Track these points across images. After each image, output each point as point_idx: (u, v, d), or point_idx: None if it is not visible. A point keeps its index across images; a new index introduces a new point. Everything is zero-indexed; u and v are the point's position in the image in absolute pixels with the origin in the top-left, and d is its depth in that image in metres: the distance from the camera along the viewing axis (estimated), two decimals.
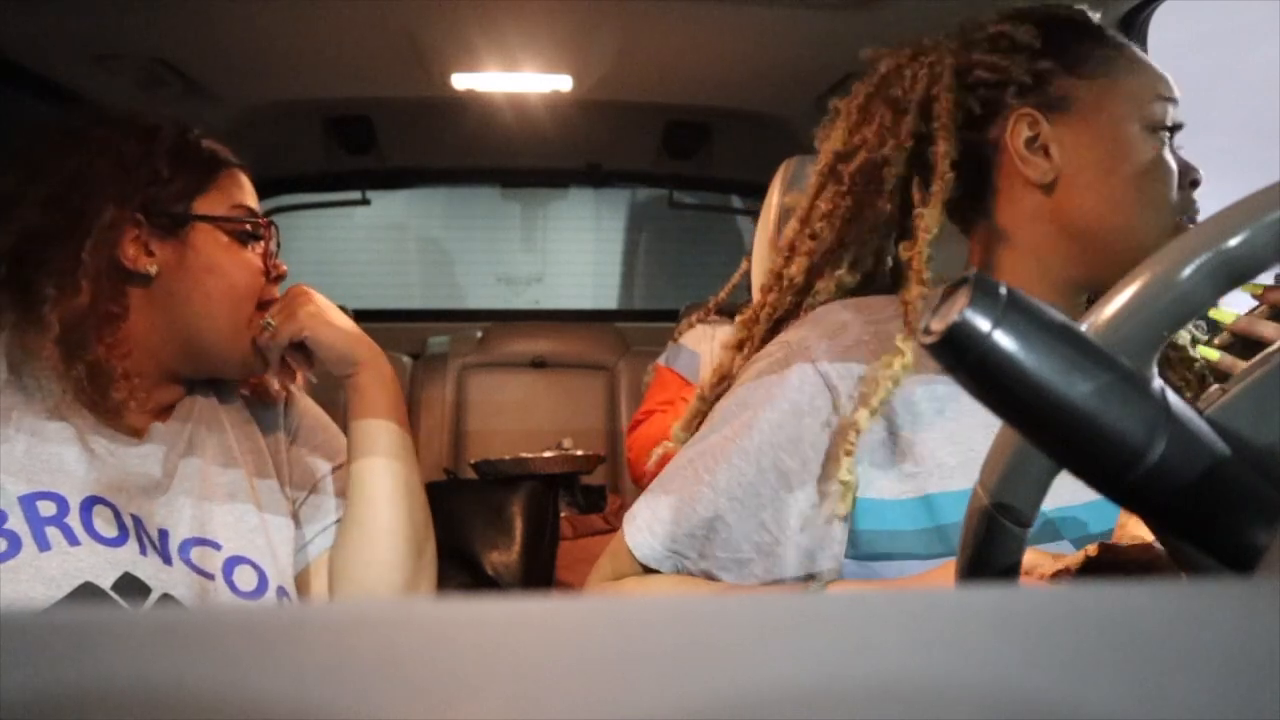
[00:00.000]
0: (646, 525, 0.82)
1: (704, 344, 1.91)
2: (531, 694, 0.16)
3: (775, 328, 0.90)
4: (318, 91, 1.95)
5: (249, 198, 0.95)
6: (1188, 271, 0.37)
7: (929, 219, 0.79)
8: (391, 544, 0.92)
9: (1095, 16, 0.88)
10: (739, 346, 0.92)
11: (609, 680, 0.17)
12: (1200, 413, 0.37)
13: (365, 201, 2.70)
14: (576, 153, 2.51)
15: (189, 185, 0.91)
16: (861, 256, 0.89)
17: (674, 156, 2.38)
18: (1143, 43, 1.38)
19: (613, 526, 2.15)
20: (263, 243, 0.95)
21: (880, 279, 0.93)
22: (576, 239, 3.68)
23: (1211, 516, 0.35)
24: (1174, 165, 0.81)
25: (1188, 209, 0.82)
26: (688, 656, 0.17)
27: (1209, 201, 1.18)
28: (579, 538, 2.15)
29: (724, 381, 0.91)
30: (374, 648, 0.18)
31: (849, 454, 0.76)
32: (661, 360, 1.95)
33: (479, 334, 2.63)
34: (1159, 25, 1.40)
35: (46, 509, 0.80)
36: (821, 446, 0.78)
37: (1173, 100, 0.82)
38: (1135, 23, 1.36)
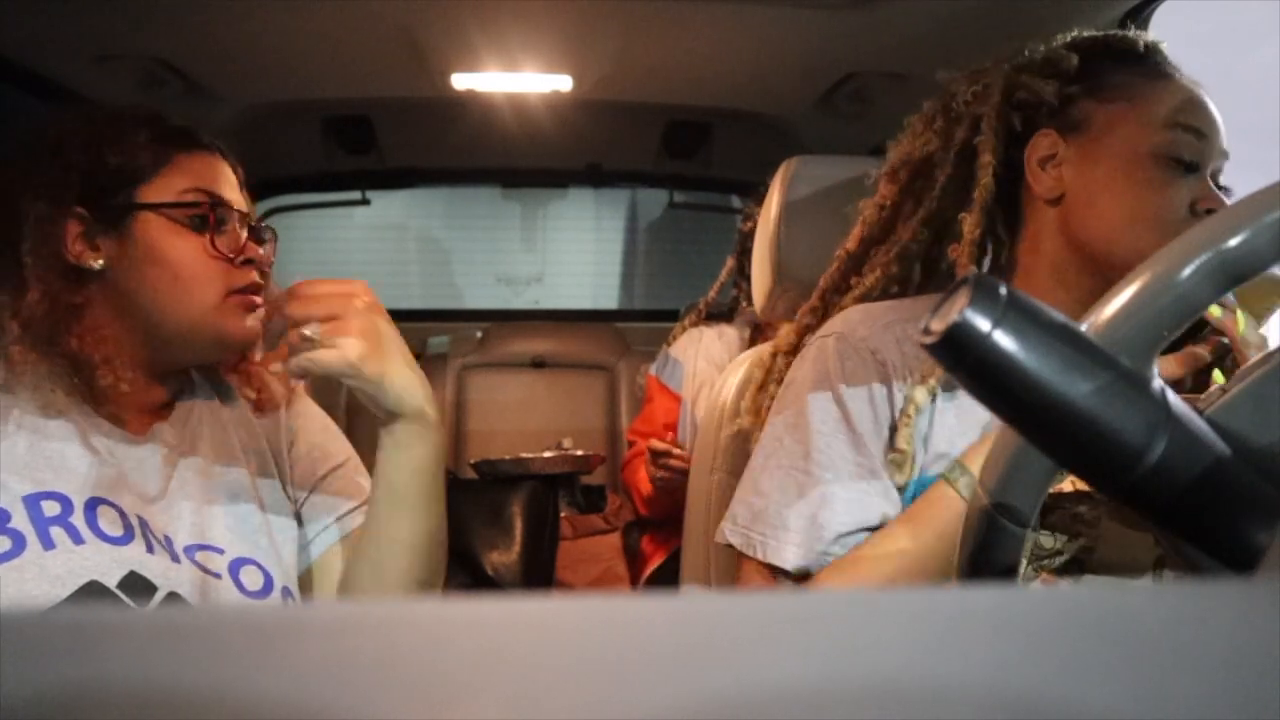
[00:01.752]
0: (784, 540, 0.86)
1: (690, 350, 1.93)
2: (531, 694, 0.16)
3: (825, 307, 1.01)
4: (317, 91, 1.95)
5: (212, 181, 0.90)
6: (1187, 272, 0.37)
7: (970, 222, 0.88)
8: (406, 584, 0.89)
9: (1148, 37, 0.90)
10: (803, 332, 1.02)
11: (609, 680, 0.17)
12: (1200, 413, 0.37)
13: (365, 202, 2.70)
14: (576, 153, 2.51)
15: (133, 172, 0.86)
16: (907, 250, 0.96)
17: (674, 157, 2.38)
18: None
19: (612, 526, 2.15)
20: (227, 226, 0.89)
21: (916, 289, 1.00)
22: (576, 239, 3.68)
23: (1212, 516, 0.35)
24: (1184, 193, 0.83)
25: None
26: (687, 656, 0.17)
27: None
28: (579, 538, 2.15)
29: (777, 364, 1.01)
30: (374, 648, 0.18)
31: (907, 425, 0.83)
32: (653, 369, 1.98)
33: (479, 334, 2.63)
34: (1159, 25, 1.40)
35: (50, 509, 0.79)
36: (885, 418, 0.86)
37: (1196, 131, 0.83)
38: (1135, 23, 1.36)
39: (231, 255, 0.88)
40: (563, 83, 1.87)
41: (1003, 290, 0.34)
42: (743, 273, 1.93)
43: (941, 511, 0.78)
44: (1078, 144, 0.87)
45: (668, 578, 1.91)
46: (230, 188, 0.92)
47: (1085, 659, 0.17)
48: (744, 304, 1.97)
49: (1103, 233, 0.85)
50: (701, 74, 1.84)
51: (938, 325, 0.34)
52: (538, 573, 1.98)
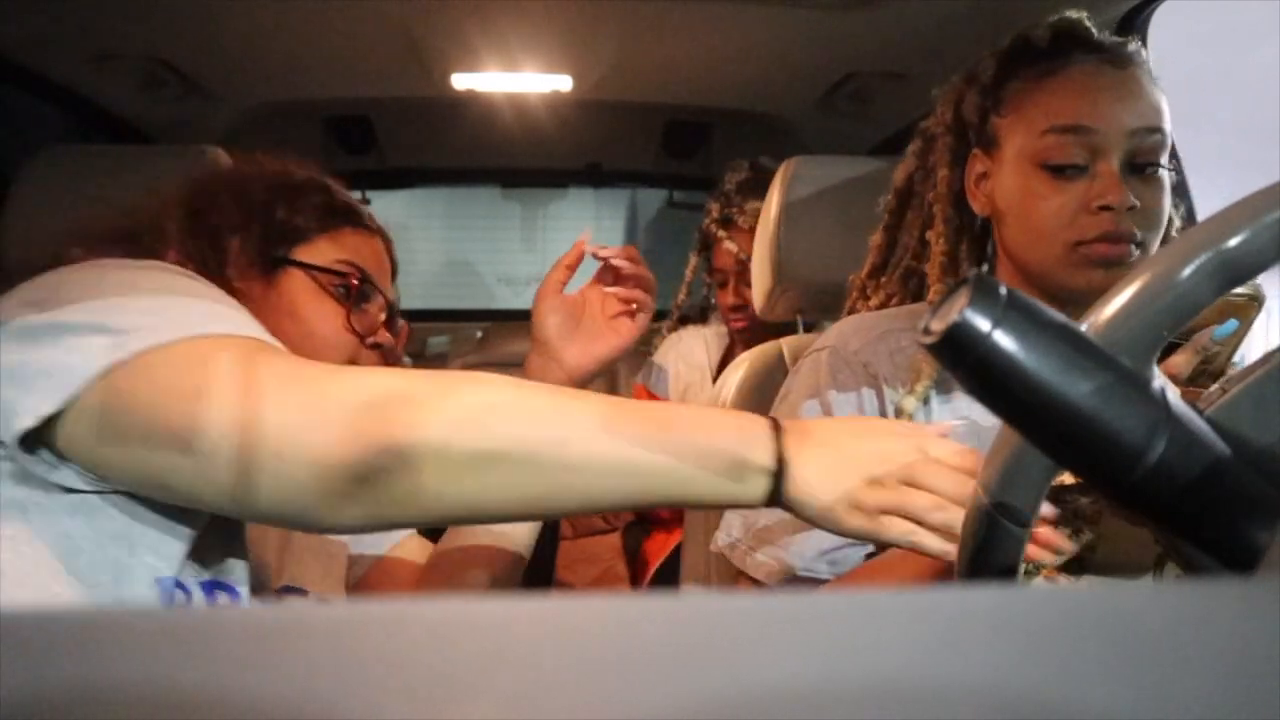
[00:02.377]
0: (767, 555, 0.86)
1: (671, 354, 1.94)
2: (533, 694, 0.16)
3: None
4: (317, 91, 1.95)
5: (367, 260, 0.91)
6: (1187, 271, 0.37)
7: (934, 240, 0.91)
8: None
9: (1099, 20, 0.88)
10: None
11: (610, 680, 0.17)
12: (1200, 413, 0.37)
13: (365, 201, 2.70)
14: (576, 153, 2.51)
15: (297, 231, 0.89)
16: (910, 272, 0.98)
17: (674, 157, 2.38)
18: (1142, 42, 1.38)
19: (612, 526, 2.15)
20: (368, 305, 0.90)
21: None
22: (577, 239, 3.67)
23: (1212, 516, 0.35)
24: (1073, 196, 0.82)
25: (1097, 234, 0.81)
26: (688, 656, 0.17)
27: (1209, 201, 1.17)
28: (579, 537, 2.15)
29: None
30: (375, 647, 0.18)
31: None
32: (638, 378, 1.98)
33: (479, 334, 2.63)
34: (1159, 25, 1.40)
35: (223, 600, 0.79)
36: None
37: (1076, 129, 0.82)
38: (1135, 22, 1.36)
39: (364, 333, 0.90)
40: (563, 83, 1.87)
41: (1003, 290, 0.34)
42: (709, 270, 1.93)
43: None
44: (994, 160, 0.88)
45: (668, 578, 1.91)
46: (383, 274, 0.94)
47: (1085, 659, 0.17)
48: (713, 301, 1.97)
49: (1016, 248, 0.87)
50: (701, 74, 1.84)
51: (937, 325, 0.34)
52: (538, 572, 1.98)
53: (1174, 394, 0.36)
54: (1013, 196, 0.85)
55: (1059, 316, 0.34)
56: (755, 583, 0.89)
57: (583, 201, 3.65)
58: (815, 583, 0.85)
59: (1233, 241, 0.37)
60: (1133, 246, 0.81)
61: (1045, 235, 0.83)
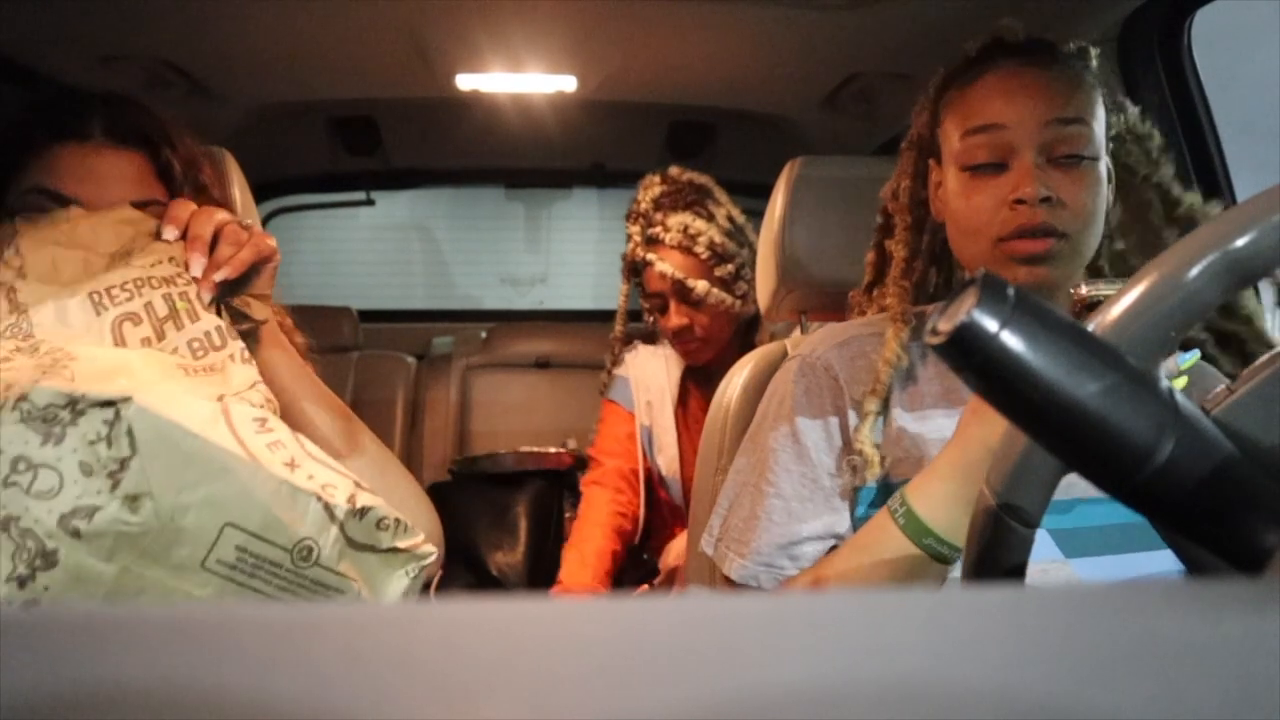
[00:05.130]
0: (735, 553, 0.90)
1: (632, 370, 1.83)
2: (542, 694, 0.16)
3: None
4: (322, 92, 1.96)
5: (58, 179, 0.86)
6: (1195, 272, 0.37)
7: (894, 246, 0.96)
8: None
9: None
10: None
11: (621, 681, 0.17)
12: (1207, 413, 0.37)
13: (370, 202, 2.70)
14: (581, 153, 2.51)
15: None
16: (901, 281, 0.99)
17: (678, 157, 2.38)
18: (1176, 47, 1.37)
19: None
20: None
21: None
22: (580, 239, 3.68)
23: (1220, 517, 0.35)
24: (993, 194, 0.83)
25: (1013, 228, 0.82)
26: (698, 657, 0.18)
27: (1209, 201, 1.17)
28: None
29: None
30: (384, 648, 0.18)
31: (863, 430, 0.87)
32: (606, 394, 1.87)
33: (483, 334, 2.63)
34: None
35: None
36: (836, 431, 0.90)
37: (989, 128, 0.84)
38: (1138, 26, 1.36)
39: None
40: (567, 83, 1.87)
41: (1010, 290, 0.34)
42: (644, 296, 1.78)
43: (880, 539, 0.79)
44: (942, 168, 0.91)
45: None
46: (72, 182, 0.88)
47: (1093, 660, 0.17)
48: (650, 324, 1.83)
49: (957, 250, 0.90)
50: (705, 74, 1.84)
51: (945, 325, 0.34)
52: (543, 573, 1.98)
53: (1181, 395, 0.36)
54: (950, 200, 0.88)
55: (1067, 316, 0.34)
56: (730, 582, 0.92)
57: (587, 202, 3.65)
58: (778, 579, 0.88)
59: (1240, 242, 0.37)
60: (1054, 241, 0.81)
61: (971, 233, 0.85)
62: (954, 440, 0.77)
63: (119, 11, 1.46)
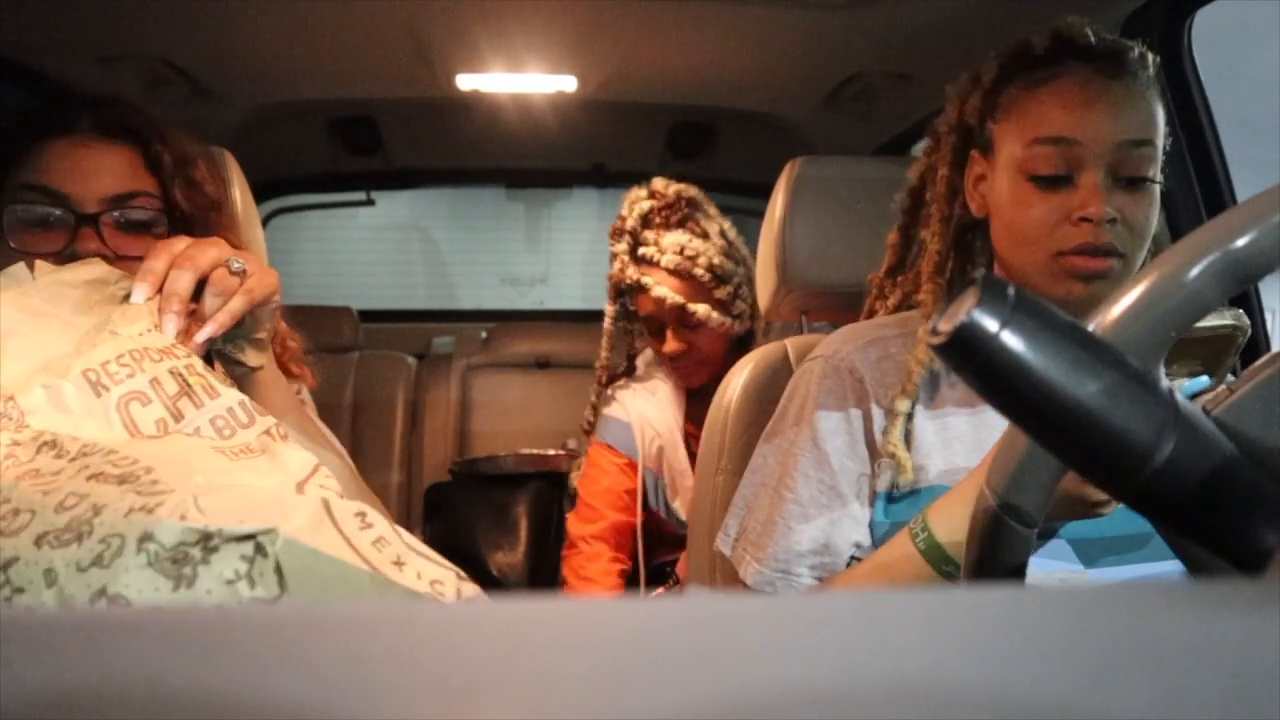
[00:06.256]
0: (752, 557, 0.90)
1: (631, 412, 1.64)
2: (543, 694, 0.16)
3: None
4: (322, 93, 1.96)
5: (47, 174, 0.85)
6: (1195, 272, 0.37)
7: (929, 238, 0.93)
8: None
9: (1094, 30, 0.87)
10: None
11: (621, 681, 0.17)
12: (1208, 413, 0.37)
13: (370, 202, 2.71)
14: (581, 153, 2.51)
15: None
16: (922, 273, 0.98)
17: (678, 157, 2.38)
18: (1176, 47, 1.36)
19: None
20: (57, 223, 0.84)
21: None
22: (581, 239, 3.68)
23: (1220, 517, 0.35)
24: (1053, 207, 0.82)
25: (1076, 245, 0.82)
26: (700, 657, 0.18)
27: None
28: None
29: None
30: (387, 648, 0.18)
31: (893, 430, 0.86)
32: (596, 435, 1.67)
33: (483, 334, 2.63)
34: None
35: None
36: (861, 436, 0.88)
37: (1060, 141, 0.82)
38: (1138, 25, 1.36)
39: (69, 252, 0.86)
40: (567, 83, 1.87)
41: (1010, 290, 0.34)
42: (632, 319, 1.65)
43: (899, 562, 0.79)
44: (990, 164, 0.89)
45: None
46: (68, 180, 0.87)
47: (1094, 660, 0.17)
48: (637, 348, 1.69)
49: (1003, 252, 0.88)
50: (706, 74, 1.84)
51: (945, 325, 0.34)
52: (543, 573, 1.98)
53: (1181, 394, 0.36)
54: (1002, 202, 0.87)
55: (1067, 317, 0.34)
56: (745, 585, 0.91)
57: (587, 202, 3.65)
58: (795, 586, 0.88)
59: (1240, 242, 0.37)
60: (1114, 260, 0.81)
61: (1028, 243, 0.84)
62: (981, 466, 0.76)
63: (119, 11, 1.46)
